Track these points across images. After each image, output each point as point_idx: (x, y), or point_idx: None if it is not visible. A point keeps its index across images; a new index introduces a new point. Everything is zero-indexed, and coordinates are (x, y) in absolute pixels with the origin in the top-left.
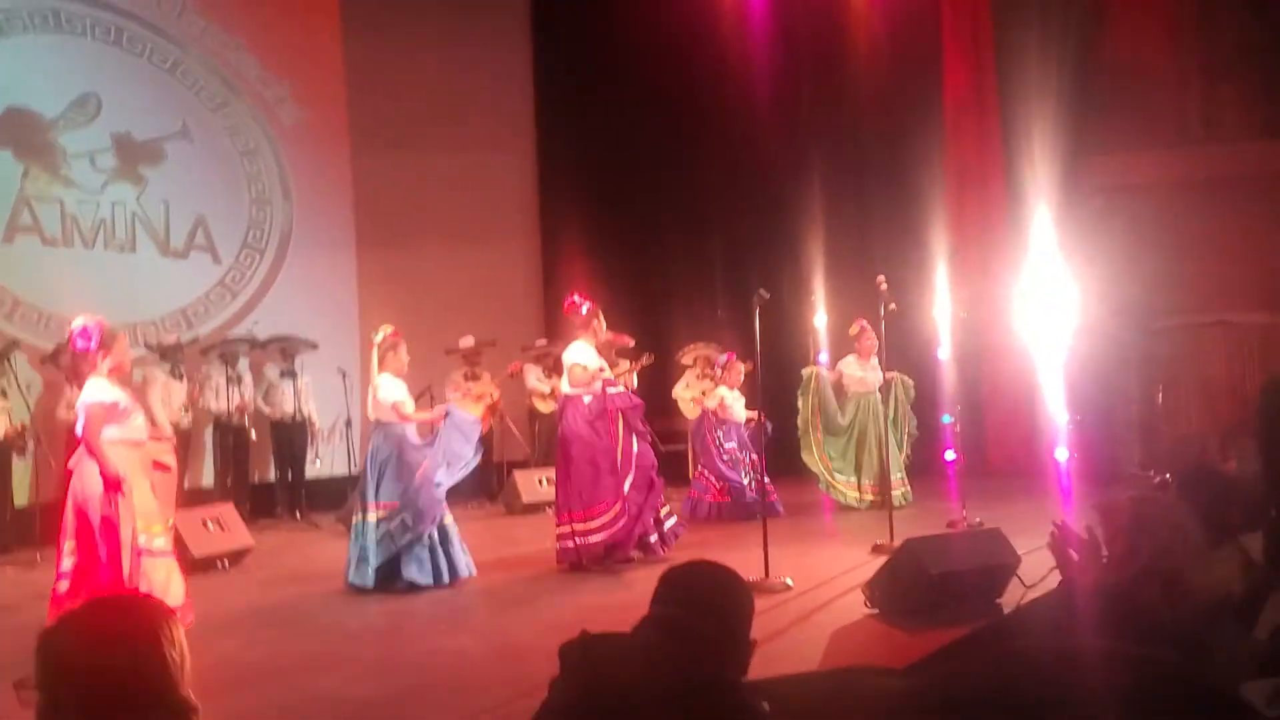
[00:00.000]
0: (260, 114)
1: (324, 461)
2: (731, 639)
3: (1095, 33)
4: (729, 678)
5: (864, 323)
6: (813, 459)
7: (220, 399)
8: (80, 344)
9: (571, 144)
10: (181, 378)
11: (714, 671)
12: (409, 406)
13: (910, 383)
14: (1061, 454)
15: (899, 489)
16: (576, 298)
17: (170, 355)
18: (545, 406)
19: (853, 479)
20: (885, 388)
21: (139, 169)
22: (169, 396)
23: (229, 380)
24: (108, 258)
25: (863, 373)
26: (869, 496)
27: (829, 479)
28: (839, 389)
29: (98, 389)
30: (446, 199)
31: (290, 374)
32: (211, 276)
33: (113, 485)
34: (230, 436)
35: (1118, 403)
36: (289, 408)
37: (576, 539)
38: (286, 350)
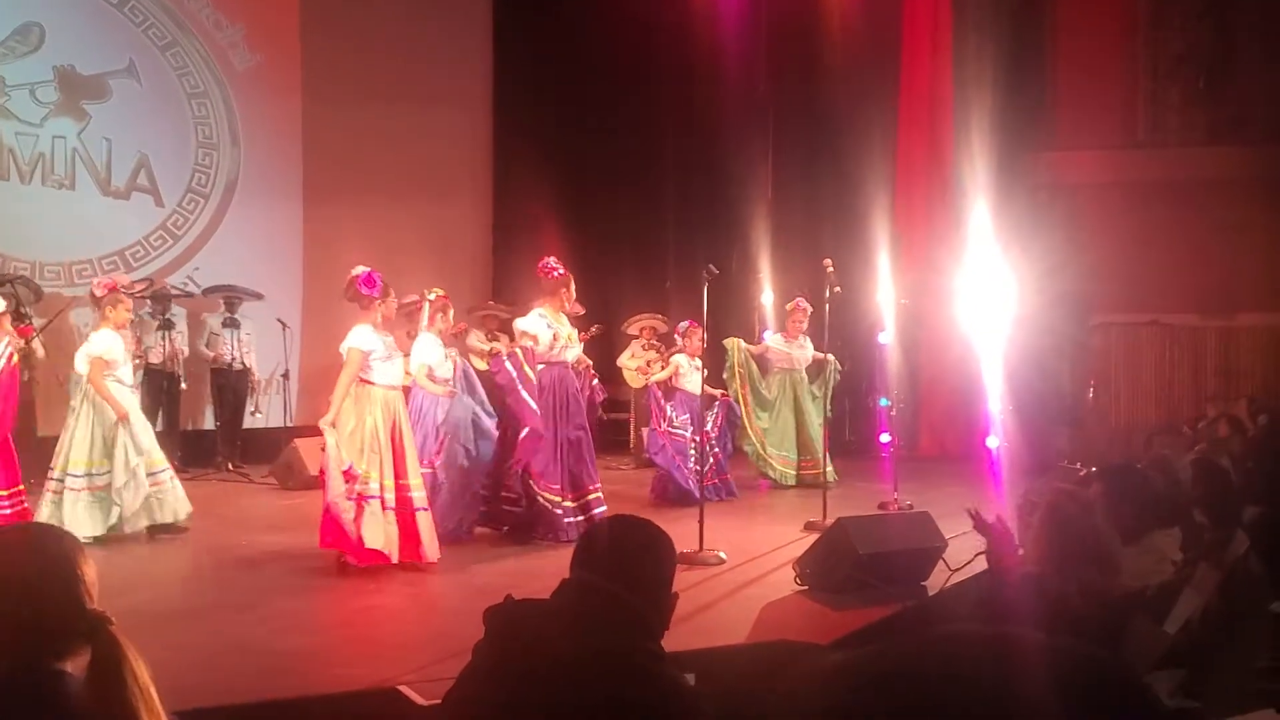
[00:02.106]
0: (211, 56)
1: (262, 414)
2: (649, 599)
3: (1048, 35)
4: (646, 644)
5: (799, 300)
6: (745, 435)
7: (154, 345)
8: (365, 290)
9: (529, 104)
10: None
11: (630, 636)
12: (432, 371)
13: (838, 367)
14: (993, 442)
15: (823, 467)
16: (552, 261)
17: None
18: (482, 365)
19: (787, 455)
20: (816, 367)
21: (82, 104)
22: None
23: (161, 326)
24: (45, 193)
25: (788, 349)
26: (803, 472)
27: (761, 452)
28: (763, 362)
29: (360, 336)
30: (398, 153)
31: (233, 323)
32: (153, 219)
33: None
34: (163, 382)
35: (1050, 394)
36: (230, 357)
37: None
38: (231, 300)
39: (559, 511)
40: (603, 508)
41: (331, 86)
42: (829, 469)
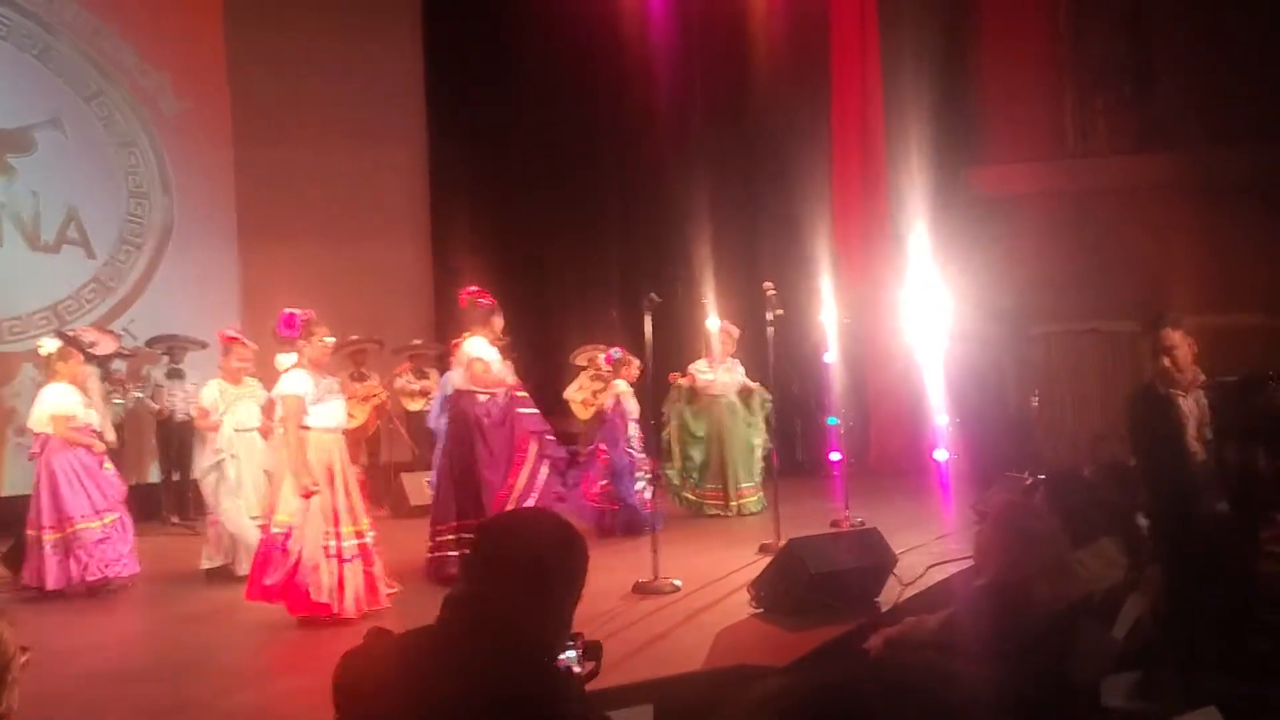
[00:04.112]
0: (138, 104)
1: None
2: (551, 611)
3: (975, 52)
4: (521, 680)
5: (724, 324)
6: (674, 470)
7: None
8: (282, 332)
9: (464, 138)
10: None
11: (526, 666)
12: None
13: (768, 397)
14: (941, 455)
15: (753, 495)
16: (476, 289)
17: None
18: (415, 404)
19: (715, 487)
20: (746, 394)
21: (6, 158)
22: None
23: (103, 378)
24: None
25: (713, 375)
26: (737, 501)
27: (680, 488)
28: (694, 393)
29: (292, 381)
30: (333, 194)
31: (178, 374)
32: (85, 272)
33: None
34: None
35: (995, 406)
36: (176, 408)
37: (461, 550)
38: (174, 350)
39: None
40: None
41: (263, 129)
42: (754, 498)
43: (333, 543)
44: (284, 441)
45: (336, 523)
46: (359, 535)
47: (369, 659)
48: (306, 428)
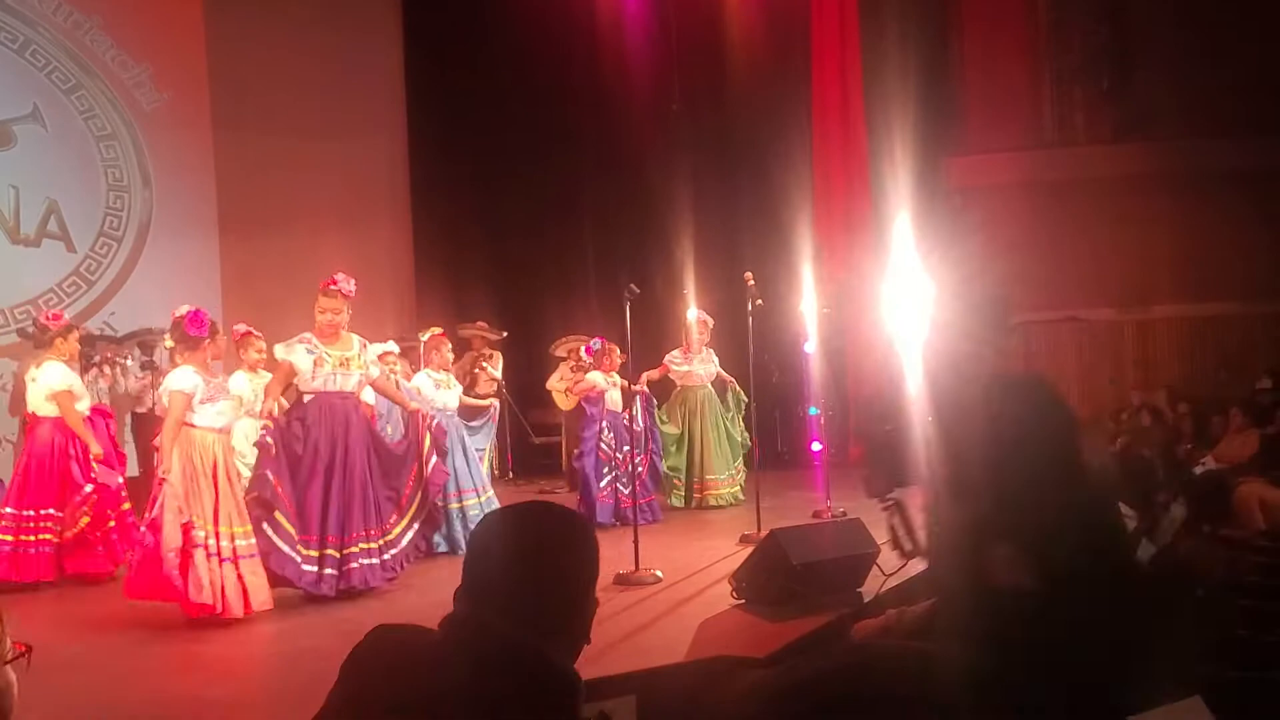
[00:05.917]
0: (118, 98)
1: None
2: (565, 629)
3: (954, 41)
4: (531, 688)
5: (699, 313)
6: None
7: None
8: (193, 330)
9: (444, 128)
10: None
11: (545, 697)
12: (427, 401)
13: (744, 398)
14: None
15: (733, 486)
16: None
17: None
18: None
19: (694, 477)
20: (721, 387)
21: None
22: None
23: (84, 369)
24: None
25: (688, 366)
26: (715, 491)
27: (669, 482)
28: (668, 385)
29: (181, 377)
30: (313, 186)
31: (150, 366)
32: (65, 265)
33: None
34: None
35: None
36: (149, 401)
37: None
38: (145, 343)
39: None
40: (370, 560)
41: (242, 121)
42: (735, 489)
43: (213, 542)
44: (168, 438)
45: (217, 522)
46: (244, 536)
47: (377, 655)
48: (191, 425)
